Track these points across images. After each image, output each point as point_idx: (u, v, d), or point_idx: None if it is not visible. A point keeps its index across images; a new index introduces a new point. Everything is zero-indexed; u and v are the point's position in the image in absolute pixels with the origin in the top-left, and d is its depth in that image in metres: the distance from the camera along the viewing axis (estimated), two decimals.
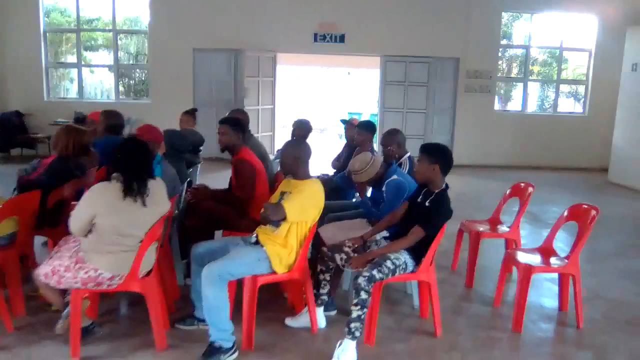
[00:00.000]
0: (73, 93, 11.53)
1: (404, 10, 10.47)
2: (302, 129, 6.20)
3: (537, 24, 11.37)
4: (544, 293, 4.45)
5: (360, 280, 3.24)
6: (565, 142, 11.09)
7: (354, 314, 3.24)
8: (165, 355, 3.33)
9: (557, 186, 9.42)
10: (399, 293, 4.33)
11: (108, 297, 3.78)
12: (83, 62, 11.57)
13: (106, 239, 3.14)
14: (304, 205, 3.43)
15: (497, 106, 11.87)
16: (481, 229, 4.60)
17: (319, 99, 19.01)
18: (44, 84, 10.63)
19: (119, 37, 11.02)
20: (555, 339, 3.80)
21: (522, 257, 3.94)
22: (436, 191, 3.53)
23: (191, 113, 6.00)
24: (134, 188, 3.17)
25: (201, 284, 3.21)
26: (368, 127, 5.15)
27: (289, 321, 3.76)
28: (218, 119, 10.47)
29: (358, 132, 5.27)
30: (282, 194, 3.60)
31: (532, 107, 12.50)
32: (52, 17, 10.99)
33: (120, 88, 11.87)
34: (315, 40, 10.43)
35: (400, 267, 3.42)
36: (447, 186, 3.58)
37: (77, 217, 3.15)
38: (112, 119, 5.18)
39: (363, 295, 3.22)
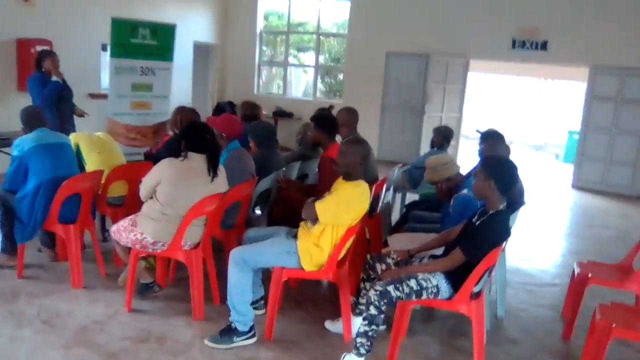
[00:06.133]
0: (296, 91, 12.74)
1: (620, 14, 8.93)
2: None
3: None
4: None
5: (371, 293, 2.97)
6: None
7: (361, 329, 3.00)
8: (196, 324, 3.55)
9: None
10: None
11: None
12: (296, 62, 12.69)
13: (156, 206, 3.47)
14: (337, 208, 3.28)
15: None
16: (591, 273, 3.73)
17: (540, 112, 17.31)
18: (254, 79, 11.95)
19: (324, 40, 11.81)
20: None
21: (609, 314, 3.10)
22: (491, 211, 3.03)
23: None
24: (213, 165, 3.50)
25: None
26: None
27: (327, 324, 3.64)
28: (403, 124, 10.53)
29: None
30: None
31: None
32: (270, 20, 12.25)
33: (322, 87, 12.67)
34: (514, 46, 9.59)
35: (429, 291, 3.03)
36: (507, 207, 3.04)
37: (145, 183, 3.55)
38: (247, 109, 5.59)
39: (372, 310, 2.95)
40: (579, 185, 9.61)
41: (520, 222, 6.68)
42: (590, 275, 3.69)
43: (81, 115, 6.50)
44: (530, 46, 9.47)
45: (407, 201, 5.92)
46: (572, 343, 3.73)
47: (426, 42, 10.08)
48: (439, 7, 10.04)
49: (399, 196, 6.26)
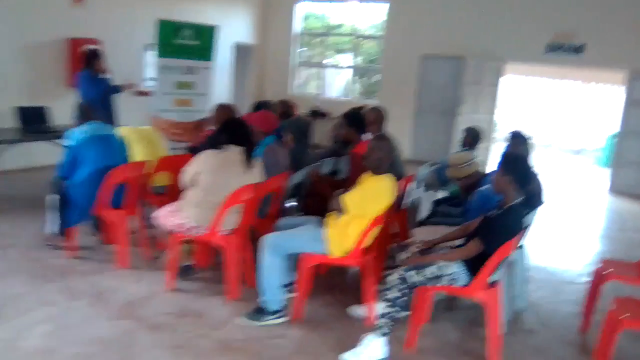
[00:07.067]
0: (334, 91, 13.02)
1: None
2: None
3: None
4: None
5: (393, 277, 3.19)
6: None
7: (383, 310, 3.22)
8: (231, 303, 3.84)
9: None
10: None
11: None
12: (333, 63, 12.97)
13: (198, 193, 3.78)
14: (363, 200, 3.51)
15: None
16: (611, 269, 3.85)
17: (580, 116, 17.04)
18: (292, 79, 12.27)
19: (361, 42, 12.09)
20: None
21: (622, 306, 3.23)
22: (507, 205, 3.21)
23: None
24: (249, 157, 3.79)
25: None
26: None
27: (353, 308, 3.88)
28: (437, 125, 10.61)
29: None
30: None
31: None
32: (308, 22, 12.53)
33: (358, 88, 12.90)
34: (549, 50, 9.60)
35: (448, 277, 3.23)
36: (523, 201, 3.22)
37: (186, 171, 3.85)
38: (282, 107, 5.88)
39: (394, 293, 3.17)
40: (616, 189, 9.55)
41: (552, 223, 6.81)
42: (609, 271, 3.82)
43: (131, 87, 6.91)
44: (566, 50, 9.47)
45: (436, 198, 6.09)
46: (588, 336, 3.86)
47: (461, 45, 10.18)
48: (474, 11, 10.14)
49: (428, 193, 6.44)
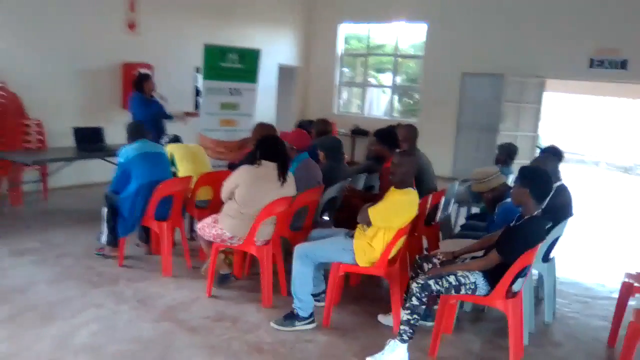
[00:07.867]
0: (377, 110, 13.28)
1: None
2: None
3: None
4: None
5: (414, 285, 3.34)
6: None
7: (404, 318, 3.36)
8: (264, 310, 4.08)
9: None
10: None
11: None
12: (375, 83, 13.22)
13: (234, 206, 4.05)
14: (387, 213, 3.68)
15: None
16: (637, 282, 3.86)
17: (630, 133, 16.57)
18: (334, 99, 12.57)
19: (401, 61, 12.32)
20: None
21: None
22: (526, 216, 3.32)
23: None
24: (283, 172, 4.05)
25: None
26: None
27: (380, 317, 4.04)
28: (477, 142, 10.63)
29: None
30: None
31: None
32: (350, 44, 12.83)
33: (400, 107, 13.07)
34: (592, 66, 9.51)
35: (467, 287, 3.35)
36: (542, 214, 3.32)
37: (226, 186, 4.13)
38: (320, 126, 6.13)
39: (414, 300, 3.31)
40: None
41: (592, 240, 6.75)
42: (635, 284, 3.83)
43: (183, 119, 7.27)
44: (609, 65, 9.36)
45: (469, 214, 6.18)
46: (616, 350, 3.86)
47: (502, 62, 10.20)
48: (515, 28, 10.16)
49: (463, 209, 6.53)
